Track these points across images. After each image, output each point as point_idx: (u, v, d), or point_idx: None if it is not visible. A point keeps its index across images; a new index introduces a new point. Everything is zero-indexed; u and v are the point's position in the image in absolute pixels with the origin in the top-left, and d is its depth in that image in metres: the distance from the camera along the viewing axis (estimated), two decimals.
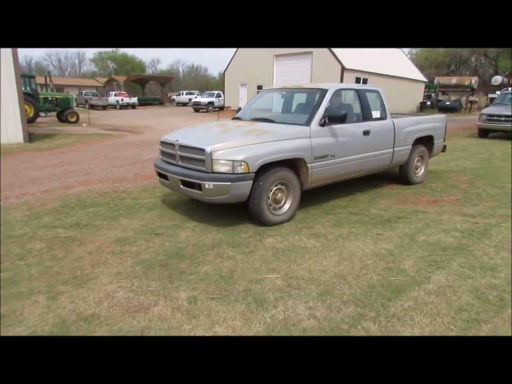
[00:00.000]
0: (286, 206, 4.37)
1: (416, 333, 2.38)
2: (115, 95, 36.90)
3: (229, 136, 4.29)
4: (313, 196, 5.31)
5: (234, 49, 30.75)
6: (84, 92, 37.31)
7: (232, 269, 3.25)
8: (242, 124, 4.87)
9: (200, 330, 2.41)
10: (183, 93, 41.95)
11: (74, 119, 18.78)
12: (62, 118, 18.83)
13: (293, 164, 4.38)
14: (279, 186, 4.24)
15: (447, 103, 29.40)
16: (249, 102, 6.05)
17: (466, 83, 29.81)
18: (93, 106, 31.48)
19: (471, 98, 30.56)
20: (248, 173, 3.88)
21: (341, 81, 23.92)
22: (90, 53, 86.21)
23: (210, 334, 2.38)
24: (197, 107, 30.65)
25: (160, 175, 4.65)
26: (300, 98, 5.57)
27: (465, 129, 15.60)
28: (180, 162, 4.31)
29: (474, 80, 29.94)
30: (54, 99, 18.78)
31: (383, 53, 27.03)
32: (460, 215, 4.62)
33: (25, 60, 69.79)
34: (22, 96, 10.71)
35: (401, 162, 5.94)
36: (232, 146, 3.93)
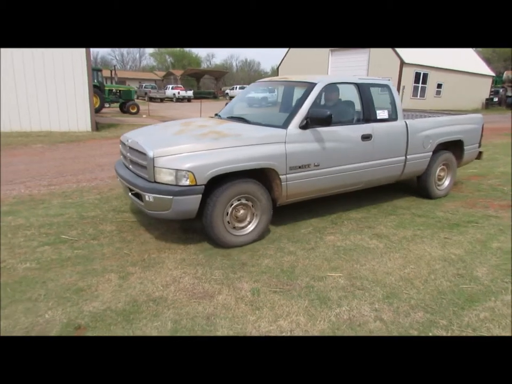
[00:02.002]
0: (251, 226, 3.60)
1: None
2: (172, 88, 38.07)
3: (180, 139, 3.53)
4: (373, 195, 5.16)
5: None
6: (143, 84, 38.89)
7: (293, 264, 3.24)
8: (207, 124, 4.08)
9: (265, 322, 2.43)
10: (236, 87, 42.42)
11: (135, 110, 19.61)
12: (124, 109, 19.75)
13: (262, 175, 3.60)
14: (243, 201, 3.49)
15: None
16: (236, 96, 5.24)
17: None
18: (151, 99, 32.77)
19: None
20: (195, 185, 3.16)
21: (399, 76, 23.04)
22: (150, 48, 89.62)
23: (274, 327, 2.39)
24: None
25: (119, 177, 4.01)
26: (285, 94, 4.80)
27: None
28: (130, 166, 3.73)
29: None
30: (118, 91, 19.74)
31: None
32: None
33: (92, 54, 73.87)
34: (92, 88, 11.36)
35: (418, 172, 4.96)
36: (180, 152, 3.23)
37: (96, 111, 15.44)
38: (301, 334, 2.32)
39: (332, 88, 4.20)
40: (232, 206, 3.44)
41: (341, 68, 26.06)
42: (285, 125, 3.71)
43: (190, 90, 39.69)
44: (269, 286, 2.88)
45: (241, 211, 3.52)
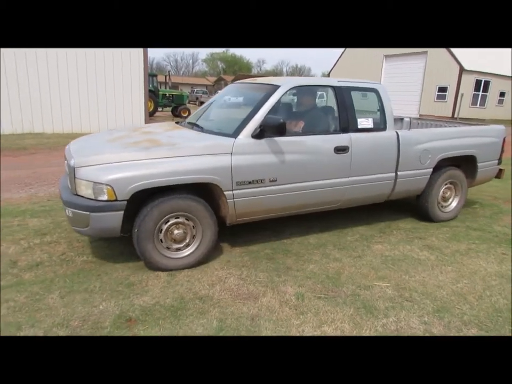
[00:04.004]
0: (190, 249, 3.17)
1: None
2: None
3: (108, 148, 3.15)
4: None
5: (341, 49, 30.23)
6: (195, 89, 40.08)
7: (339, 271, 3.20)
8: (155, 130, 3.73)
9: (309, 327, 2.42)
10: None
11: (186, 114, 20.20)
12: (175, 113, 20.45)
13: (207, 191, 3.22)
14: (180, 220, 3.08)
15: None
16: (210, 100, 4.72)
17: None
18: (202, 103, 33.63)
19: None
20: (115, 200, 2.78)
21: (458, 84, 21.95)
22: (203, 53, 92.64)
23: (318, 332, 2.37)
24: None
25: None
26: (247, 98, 4.24)
27: None
28: (67, 175, 3.29)
29: None
30: (171, 96, 20.51)
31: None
32: None
33: (148, 60, 77.60)
34: (147, 93, 11.94)
35: (415, 191, 4.32)
36: (102, 162, 2.86)
37: (150, 114, 16.13)
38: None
39: (300, 92, 3.80)
40: (167, 225, 3.05)
41: (394, 74, 25.35)
42: (235, 134, 3.24)
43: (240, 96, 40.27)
44: (313, 291, 2.87)
45: (177, 231, 3.10)
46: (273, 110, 3.38)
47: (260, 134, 3.24)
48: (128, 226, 3.01)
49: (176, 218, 3.07)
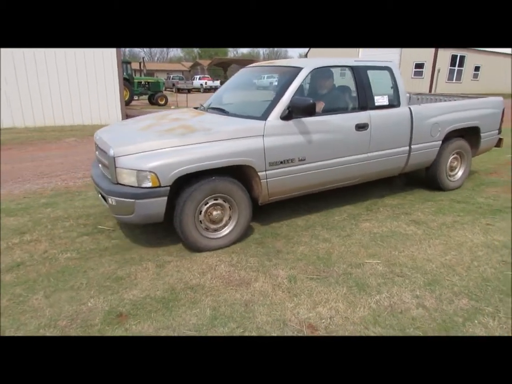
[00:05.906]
0: (227, 228, 3.30)
1: None
2: (199, 78, 38.28)
3: (144, 136, 3.21)
4: (408, 181, 5.00)
5: None
6: (171, 76, 39.29)
7: (329, 251, 3.19)
8: (182, 117, 3.79)
9: (303, 309, 2.41)
10: (264, 77, 42.07)
11: (163, 102, 19.83)
12: (152, 101, 20.01)
13: (240, 172, 3.30)
14: (217, 201, 3.19)
15: None
16: (225, 84, 4.83)
17: None
18: (179, 90, 33.03)
19: None
20: (159, 187, 2.87)
21: (434, 59, 22.12)
22: None
23: (313, 313, 2.37)
24: None
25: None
26: (269, 81, 4.23)
27: None
28: (99, 165, 3.48)
29: None
30: (147, 83, 20.02)
31: None
32: None
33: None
34: (122, 81, 11.56)
35: (426, 163, 4.52)
36: (142, 150, 2.94)
37: (126, 103, 15.69)
38: (341, 321, 2.29)
39: (321, 72, 3.85)
40: (206, 207, 3.16)
41: (372, 51, 25.24)
42: (264, 116, 3.33)
43: (217, 80, 39.73)
44: (305, 273, 2.85)
45: (215, 212, 3.21)
46: (298, 91, 3.48)
47: (288, 115, 3.36)
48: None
49: (214, 200, 3.18)
